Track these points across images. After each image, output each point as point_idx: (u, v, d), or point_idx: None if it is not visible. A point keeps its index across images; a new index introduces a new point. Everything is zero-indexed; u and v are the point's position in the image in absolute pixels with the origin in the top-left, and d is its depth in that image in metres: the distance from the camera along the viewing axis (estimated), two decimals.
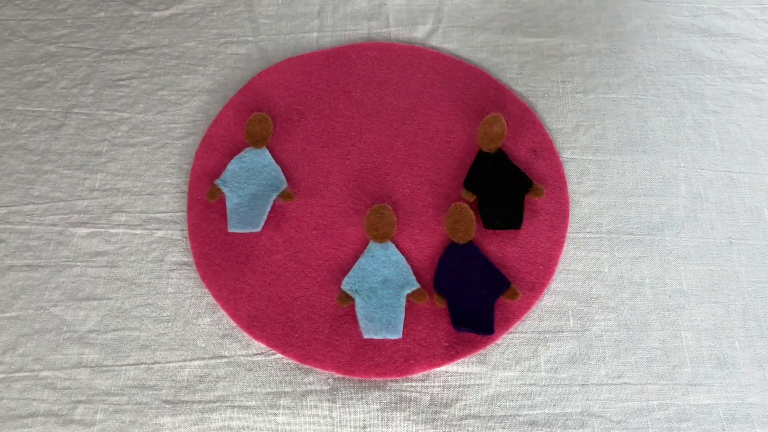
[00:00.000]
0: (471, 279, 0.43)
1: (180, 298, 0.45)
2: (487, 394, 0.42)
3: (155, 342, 0.43)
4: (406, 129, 0.51)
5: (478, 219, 0.46)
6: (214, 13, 0.58)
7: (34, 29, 0.57)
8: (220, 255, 0.46)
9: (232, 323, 0.44)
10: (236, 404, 0.41)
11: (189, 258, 0.46)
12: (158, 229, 0.47)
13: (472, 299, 0.43)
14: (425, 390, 0.42)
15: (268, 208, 0.47)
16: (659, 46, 0.56)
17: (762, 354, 0.43)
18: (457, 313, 0.43)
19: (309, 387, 0.42)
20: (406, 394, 0.42)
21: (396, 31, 0.56)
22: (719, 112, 0.53)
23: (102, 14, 0.58)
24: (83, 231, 0.47)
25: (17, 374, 0.43)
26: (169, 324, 0.44)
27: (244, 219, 0.46)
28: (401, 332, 0.42)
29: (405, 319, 0.43)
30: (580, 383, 0.42)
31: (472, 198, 0.47)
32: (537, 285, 0.45)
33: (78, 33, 0.57)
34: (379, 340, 0.43)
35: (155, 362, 0.43)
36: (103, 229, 0.47)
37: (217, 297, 0.45)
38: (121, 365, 0.43)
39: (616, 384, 0.42)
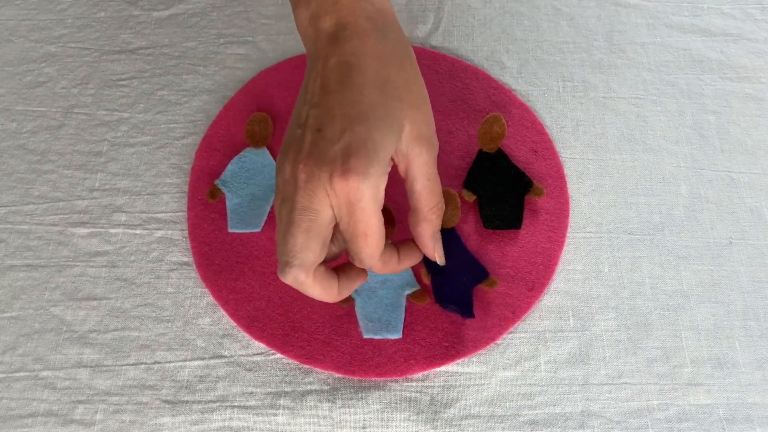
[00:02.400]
0: (453, 264, 0.44)
1: (180, 298, 0.45)
2: (487, 394, 0.42)
3: (155, 342, 0.43)
4: None
5: (478, 219, 0.46)
6: (214, 13, 0.58)
7: (34, 29, 0.57)
8: (220, 255, 0.46)
9: (232, 323, 0.44)
10: (236, 404, 0.41)
11: (189, 258, 0.46)
12: (158, 229, 0.47)
13: (453, 283, 0.44)
14: (425, 390, 0.42)
15: (268, 208, 0.47)
16: (659, 46, 0.56)
17: (762, 354, 0.43)
18: (440, 293, 0.43)
19: (309, 387, 0.42)
20: (406, 394, 0.42)
21: None
22: (719, 112, 0.53)
23: (102, 14, 0.58)
24: (83, 231, 0.47)
25: (17, 374, 0.43)
26: (169, 324, 0.44)
27: (244, 219, 0.46)
28: (401, 332, 0.42)
29: (405, 319, 0.43)
30: (580, 383, 0.42)
31: (472, 198, 0.47)
32: (537, 285, 0.45)
33: (78, 33, 0.57)
34: (379, 340, 0.43)
35: (155, 362, 0.43)
36: (103, 229, 0.47)
37: (217, 297, 0.45)
38: (121, 365, 0.43)
39: (616, 384, 0.42)
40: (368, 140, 0.33)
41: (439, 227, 0.39)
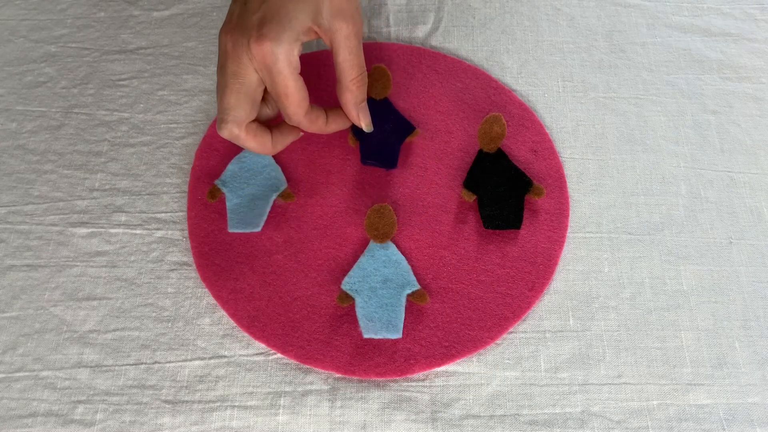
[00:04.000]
0: (383, 127, 0.49)
1: (180, 298, 0.45)
2: (487, 394, 0.42)
3: (155, 342, 0.43)
4: None
5: (478, 219, 0.47)
6: (214, 13, 0.58)
7: (34, 29, 0.57)
8: (220, 255, 0.46)
9: (232, 323, 0.44)
10: (236, 404, 0.41)
11: (189, 258, 0.46)
12: (158, 229, 0.47)
13: (379, 142, 0.48)
14: (425, 390, 0.42)
15: (268, 208, 0.47)
16: (659, 45, 0.56)
17: (762, 354, 0.43)
18: (366, 149, 0.48)
19: (309, 387, 0.42)
20: (406, 394, 0.42)
21: (396, 31, 0.56)
22: (719, 112, 0.53)
23: (102, 14, 0.58)
24: (83, 231, 0.47)
25: (17, 374, 0.43)
26: (169, 324, 0.44)
27: (244, 219, 0.46)
28: (401, 332, 0.42)
29: (405, 319, 0.43)
30: (580, 383, 0.42)
31: (472, 198, 0.47)
32: (537, 285, 0.45)
33: (78, 33, 0.57)
34: (379, 340, 0.43)
35: (155, 362, 0.43)
36: (103, 229, 0.47)
37: (217, 297, 0.45)
38: (121, 365, 0.43)
39: (616, 384, 0.42)
40: (281, 9, 0.38)
41: (362, 98, 0.44)
